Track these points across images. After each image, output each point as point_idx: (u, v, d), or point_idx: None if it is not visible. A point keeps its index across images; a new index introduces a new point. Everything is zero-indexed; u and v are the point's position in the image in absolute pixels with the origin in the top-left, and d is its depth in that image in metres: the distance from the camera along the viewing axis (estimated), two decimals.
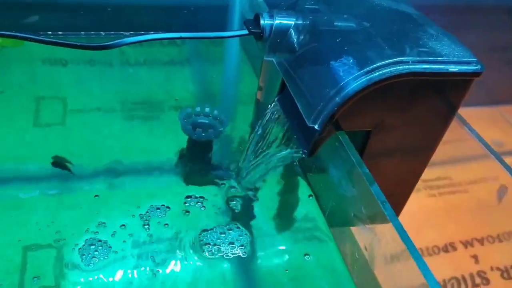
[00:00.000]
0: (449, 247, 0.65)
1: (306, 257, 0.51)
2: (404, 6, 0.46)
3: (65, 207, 0.52)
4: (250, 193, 0.57)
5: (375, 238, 0.39)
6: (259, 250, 0.51)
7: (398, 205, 0.51)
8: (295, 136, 0.45)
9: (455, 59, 0.39)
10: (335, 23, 0.42)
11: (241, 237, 0.52)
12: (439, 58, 0.38)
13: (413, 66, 0.38)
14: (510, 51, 0.95)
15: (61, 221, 0.50)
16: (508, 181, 0.52)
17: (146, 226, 0.51)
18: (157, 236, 0.51)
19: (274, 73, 0.51)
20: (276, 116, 0.48)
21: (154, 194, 0.55)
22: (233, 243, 0.51)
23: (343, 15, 0.43)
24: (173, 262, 0.49)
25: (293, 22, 0.43)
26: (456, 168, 0.72)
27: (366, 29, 0.41)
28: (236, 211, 0.55)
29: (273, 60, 0.46)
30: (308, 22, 0.43)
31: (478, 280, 0.62)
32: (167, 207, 0.53)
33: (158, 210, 0.53)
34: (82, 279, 0.46)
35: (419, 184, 0.72)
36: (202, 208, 0.54)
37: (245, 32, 0.45)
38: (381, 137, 0.43)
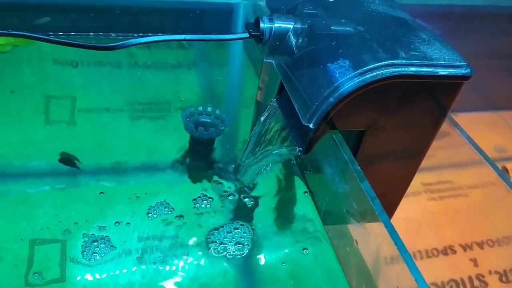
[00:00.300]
0: (448, 250, 0.65)
1: (304, 251, 0.52)
2: (400, 12, 0.47)
3: (71, 202, 0.53)
4: (248, 189, 0.57)
5: (365, 233, 0.40)
6: (257, 248, 0.52)
7: (391, 206, 0.51)
8: (291, 135, 0.46)
9: (445, 62, 0.40)
10: (332, 27, 0.43)
11: (245, 234, 0.52)
12: (429, 62, 0.39)
13: (404, 68, 0.39)
14: (510, 57, 0.95)
15: (67, 217, 0.51)
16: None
17: (150, 223, 0.52)
18: (161, 233, 0.51)
19: (273, 75, 0.52)
20: (274, 115, 0.49)
21: (158, 191, 0.55)
22: (235, 241, 0.52)
23: (340, 19, 0.44)
24: (175, 259, 0.49)
25: (291, 26, 0.44)
26: (457, 173, 0.71)
27: (361, 33, 0.42)
28: (235, 208, 0.55)
29: (273, 62, 0.47)
30: (306, 26, 0.44)
31: (476, 283, 0.61)
32: (171, 205, 0.54)
33: (162, 207, 0.54)
34: (87, 274, 0.47)
35: (420, 188, 0.72)
36: (208, 206, 0.55)
37: (246, 35, 0.46)
38: (374, 138, 0.43)
